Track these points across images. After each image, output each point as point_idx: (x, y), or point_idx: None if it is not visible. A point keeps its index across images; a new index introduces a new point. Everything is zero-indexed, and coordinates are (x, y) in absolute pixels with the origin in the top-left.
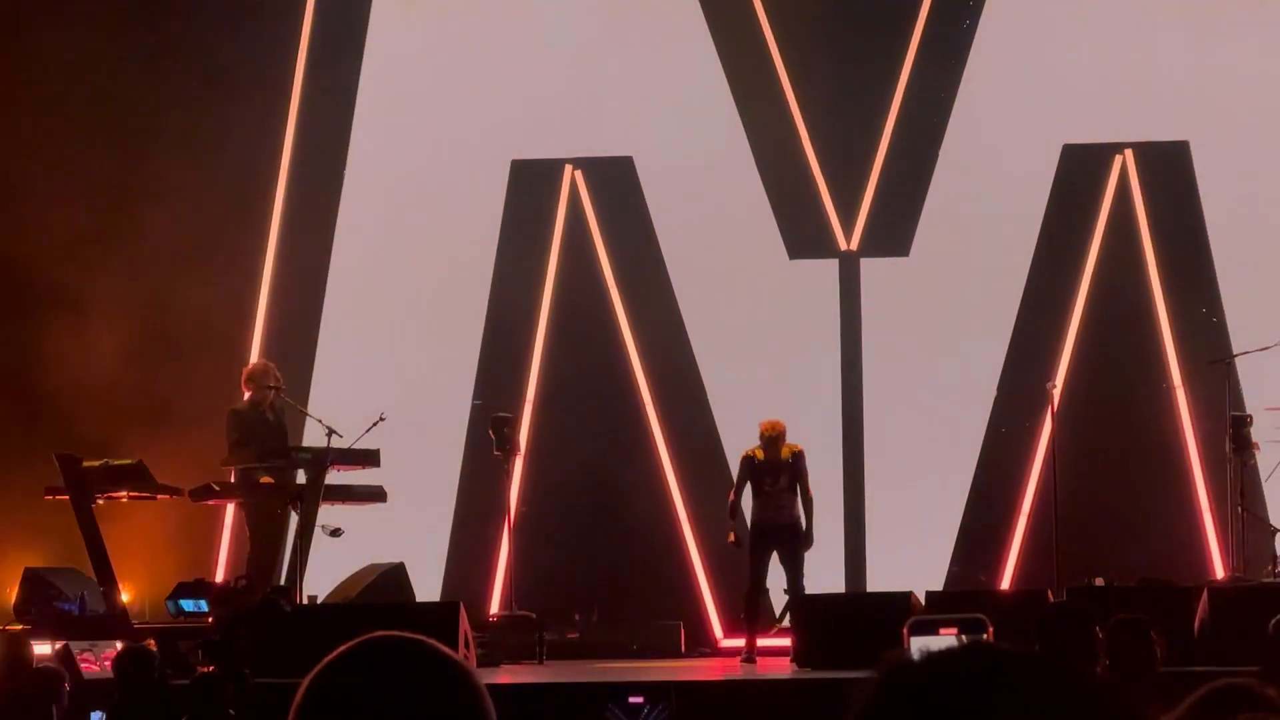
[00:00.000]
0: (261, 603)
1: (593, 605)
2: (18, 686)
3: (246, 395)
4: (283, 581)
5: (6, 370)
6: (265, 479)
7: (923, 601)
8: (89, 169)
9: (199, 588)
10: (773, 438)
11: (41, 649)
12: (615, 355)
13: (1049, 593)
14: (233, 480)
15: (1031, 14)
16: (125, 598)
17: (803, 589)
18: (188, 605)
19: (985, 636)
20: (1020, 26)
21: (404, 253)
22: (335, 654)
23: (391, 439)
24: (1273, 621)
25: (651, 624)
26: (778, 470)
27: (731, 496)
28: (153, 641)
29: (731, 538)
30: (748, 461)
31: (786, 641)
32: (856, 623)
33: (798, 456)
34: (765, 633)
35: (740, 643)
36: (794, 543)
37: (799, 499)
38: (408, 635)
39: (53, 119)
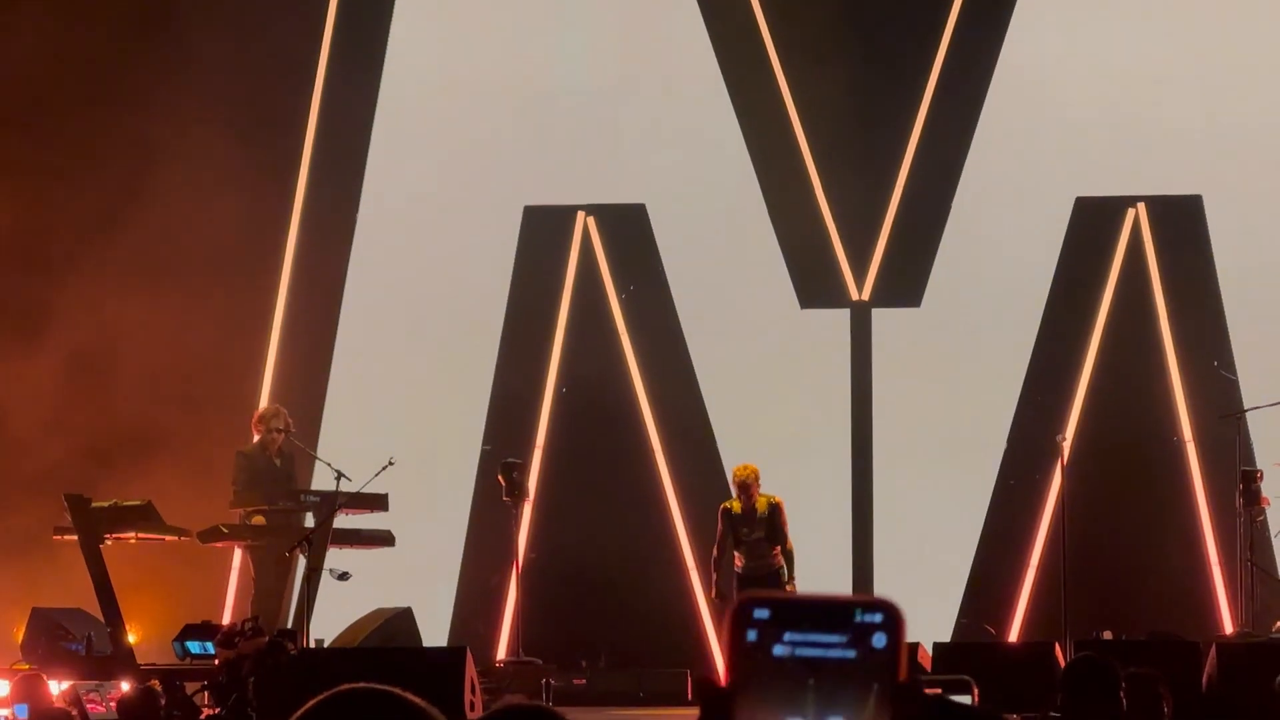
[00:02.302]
0: (268, 646)
1: (599, 651)
2: None
3: (255, 438)
4: (289, 625)
5: (14, 409)
6: (258, 519)
7: (930, 653)
8: (92, 197)
9: (206, 630)
10: (742, 480)
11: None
12: (625, 402)
13: (1057, 646)
14: (239, 522)
15: (1046, 66)
16: (132, 638)
17: None
18: (194, 647)
19: (970, 699)
20: (1034, 79)
21: (416, 296)
22: (308, 706)
23: (400, 483)
24: (1278, 679)
25: (658, 671)
26: (753, 521)
27: (715, 551)
28: (157, 682)
29: (713, 593)
30: (725, 514)
31: None
32: None
33: (774, 509)
34: None
35: None
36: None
37: (777, 548)
38: (380, 687)
39: (51, 146)
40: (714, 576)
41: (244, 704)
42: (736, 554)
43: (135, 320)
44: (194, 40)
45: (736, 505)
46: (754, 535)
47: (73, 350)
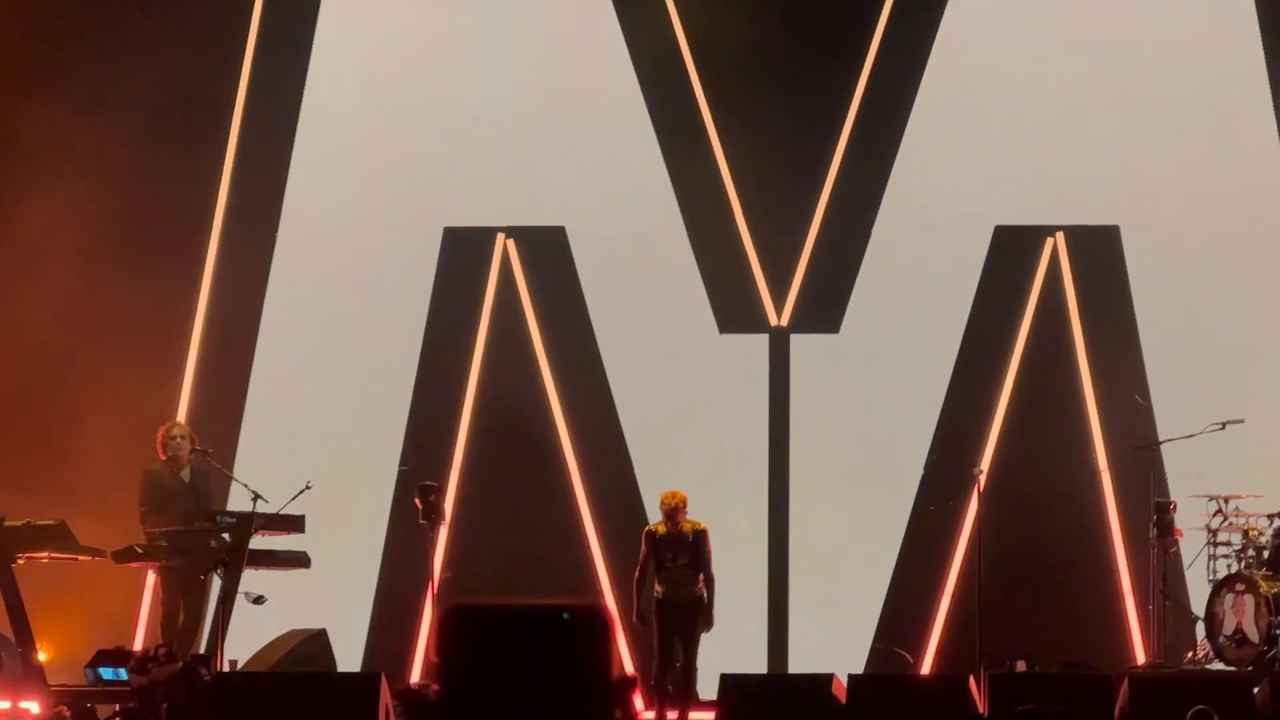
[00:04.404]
0: (181, 670)
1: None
2: None
3: (161, 456)
4: (203, 648)
5: None
6: (161, 541)
7: (844, 684)
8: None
9: (118, 656)
10: (672, 508)
11: None
12: (543, 425)
13: (972, 680)
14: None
15: (967, 96)
16: (43, 658)
17: (694, 668)
18: (107, 673)
19: None
20: (955, 108)
21: (334, 318)
22: None
23: (317, 504)
24: (1190, 713)
25: None
26: (678, 547)
27: (636, 574)
28: (66, 709)
29: (636, 616)
30: (649, 536)
31: (710, 716)
32: (779, 704)
33: (700, 535)
34: (687, 707)
35: (659, 715)
36: (694, 620)
37: (701, 575)
38: None
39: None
40: (636, 599)
41: None
42: (657, 580)
43: (51, 339)
44: (112, 54)
45: (661, 528)
46: (678, 561)
47: None
